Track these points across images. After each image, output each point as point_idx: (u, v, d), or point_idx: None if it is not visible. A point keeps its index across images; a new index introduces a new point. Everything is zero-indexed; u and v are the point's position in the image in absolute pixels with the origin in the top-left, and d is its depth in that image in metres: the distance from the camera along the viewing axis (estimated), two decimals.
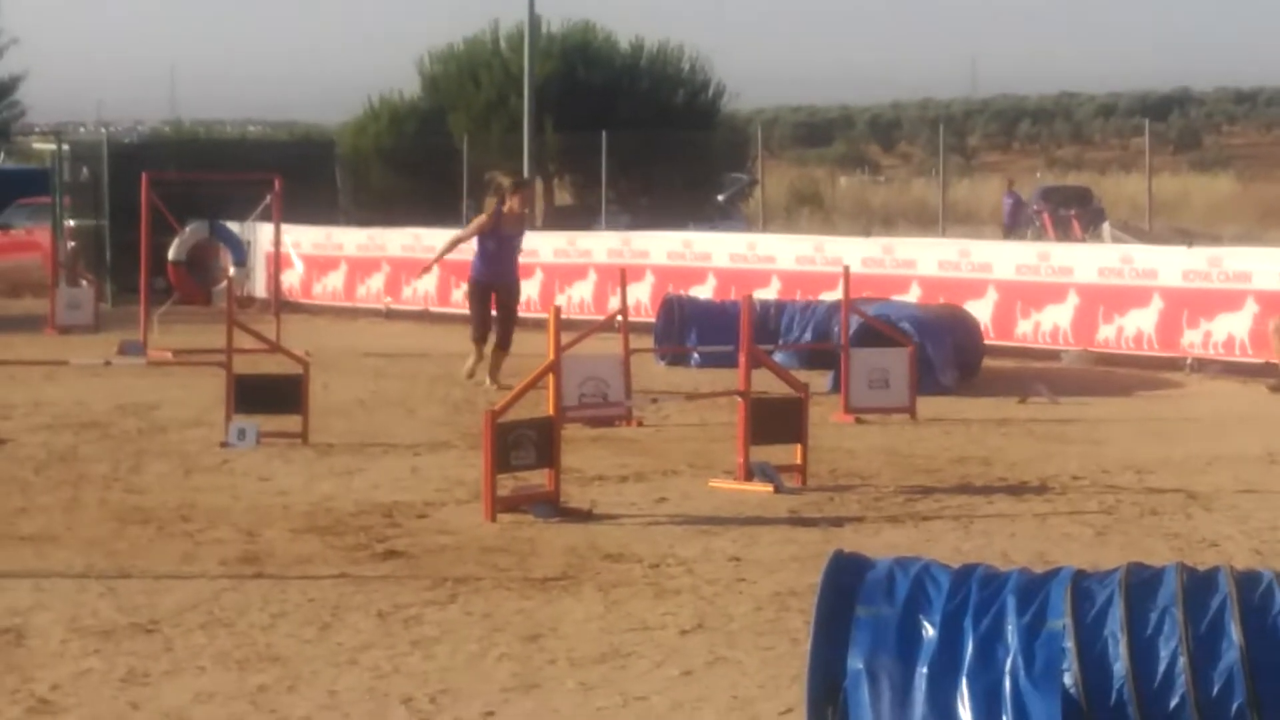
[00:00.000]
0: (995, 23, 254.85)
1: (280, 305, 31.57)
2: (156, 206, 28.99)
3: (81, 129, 55.32)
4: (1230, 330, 25.76)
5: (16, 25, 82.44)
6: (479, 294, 24.36)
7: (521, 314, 33.76)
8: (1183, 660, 7.80)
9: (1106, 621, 7.99)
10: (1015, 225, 54.21)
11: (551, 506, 14.48)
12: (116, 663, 10.06)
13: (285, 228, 33.56)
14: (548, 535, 13.76)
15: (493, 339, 23.78)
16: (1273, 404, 22.75)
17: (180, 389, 22.39)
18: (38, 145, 58.98)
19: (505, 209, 23.97)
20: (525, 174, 54.75)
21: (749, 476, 15.86)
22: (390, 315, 36.70)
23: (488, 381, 22.88)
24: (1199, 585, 8.06)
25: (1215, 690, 7.76)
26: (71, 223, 42.57)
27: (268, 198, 30.99)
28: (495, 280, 24.21)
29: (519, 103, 49.80)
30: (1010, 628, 8.09)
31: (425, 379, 24.83)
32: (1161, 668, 7.84)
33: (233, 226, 35.25)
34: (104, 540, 13.56)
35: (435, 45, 62.79)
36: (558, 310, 16.19)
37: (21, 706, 9.25)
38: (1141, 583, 8.14)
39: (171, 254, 33.31)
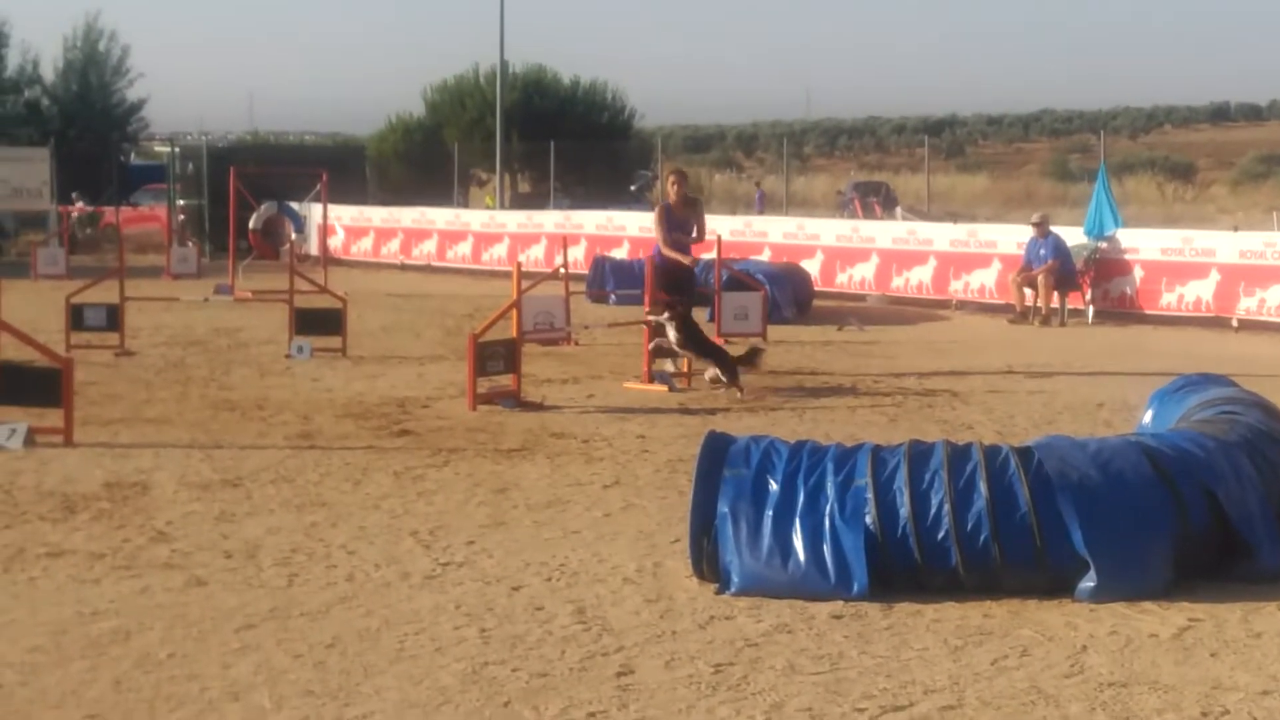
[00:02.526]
0: (823, 65, 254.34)
1: (327, 261, 31.44)
2: (240, 191, 28.82)
3: (188, 136, 54.85)
4: (983, 281, 25.91)
5: (142, 63, 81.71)
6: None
7: (494, 267, 33.93)
8: (947, 506, 7.85)
9: (895, 480, 8.05)
10: (763, 210, 53.61)
11: (515, 400, 14.47)
12: (212, 506, 10.03)
13: (330, 206, 33.40)
14: (512, 420, 13.74)
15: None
16: (1010, 331, 22.84)
17: (257, 318, 22.27)
18: (157, 148, 58.36)
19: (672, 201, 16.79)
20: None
21: (651, 380, 15.87)
22: (404, 268, 36.57)
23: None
24: (959, 455, 8.12)
25: (969, 527, 7.84)
26: (181, 202, 42.34)
27: (318, 186, 30.85)
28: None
29: (493, 121, 49.68)
30: (829, 484, 8.14)
31: (428, 312, 24.74)
32: (932, 511, 7.91)
33: (294, 205, 35.10)
34: (203, 422, 13.49)
35: (434, 80, 62.84)
36: (519, 265, 16.18)
37: (146, 536, 9.22)
38: (919, 453, 8.19)
39: (251, 224, 33.23)
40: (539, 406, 14.48)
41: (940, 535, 7.86)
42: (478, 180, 59.82)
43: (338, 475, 11.11)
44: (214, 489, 10.58)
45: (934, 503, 7.92)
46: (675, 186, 16.86)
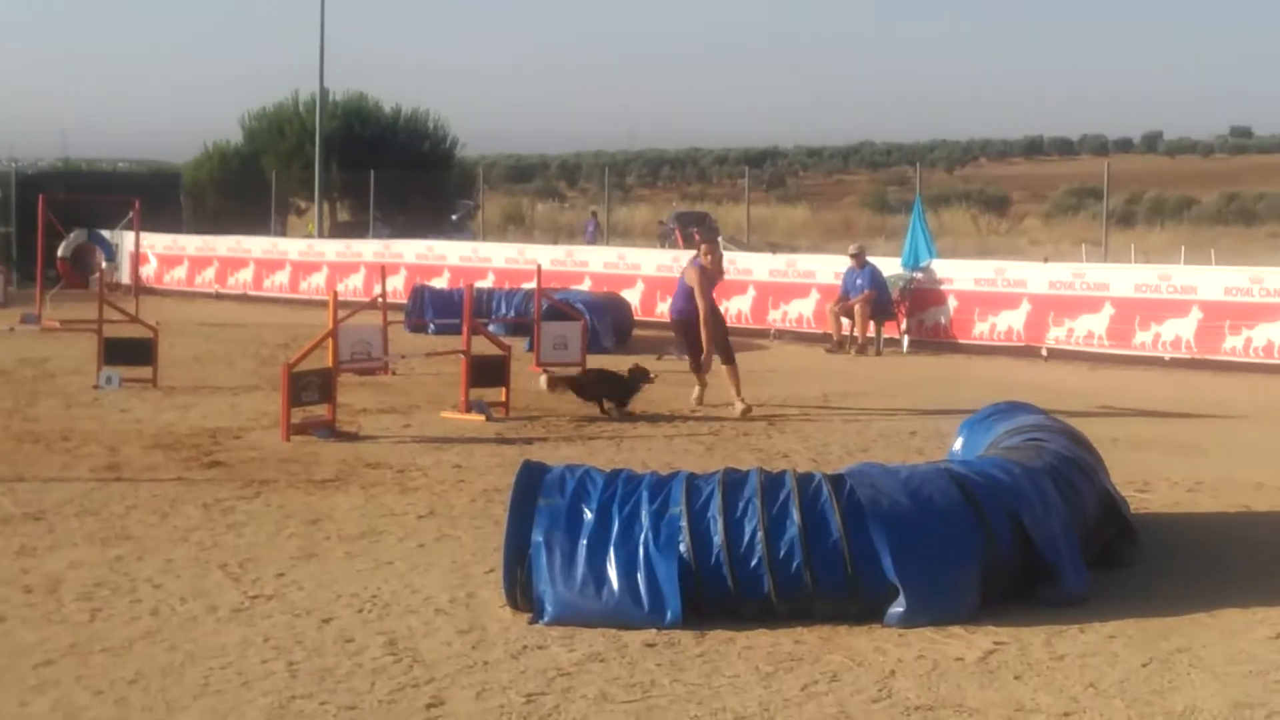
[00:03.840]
0: (645, 96, 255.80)
1: (139, 289, 31.00)
2: (49, 218, 28.30)
3: None
4: (801, 310, 26.16)
5: None
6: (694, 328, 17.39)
7: (311, 296, 33.61)
8: (760, 534, 7.91)
9: (709, 508, 8.08)
10: (594, 242, 54.04)
11: (329, 430, 14.34)
12: (13, 541, 9.81)
13: (143, 235, 32.96)
14: (326, 450, 13.61)
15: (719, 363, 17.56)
16: (827, 360, 23.07)
17: (65, 348, 21.83)
18: None
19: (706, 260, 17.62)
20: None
21: (469, 410, 15.81)
22: (220, 297, 36.08)
23: (738, 403, 16.59)
24: (772, 482, 8.19)
25: (782, 554, 7.89)
26: None
27: (131, 213, 30.43)
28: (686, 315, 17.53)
29: (312, 149, 49.24)
30: (644, 512, 8.16)
31: (242, 342, 24.43)
32: (746, 539, 7.96)
33: (105, 233, 34.52)
34: (6, 454, 13.19)
35: (253, 107, 62.11)
36: (336, 294, 16.05)
37: None
38: (733, 481, 8.25)
39: (60, 252, 32.60)
40: (354, 436, 14.36)
41: (753, 563, 7.91)
42: (297, 209, 59.26)
43: (145, 508, 10.92)
44: (14, 523, 10.33)
45: (747, 531, 7.98)
46: (709, 255, 17.66)
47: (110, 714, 6.48)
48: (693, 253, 17.47)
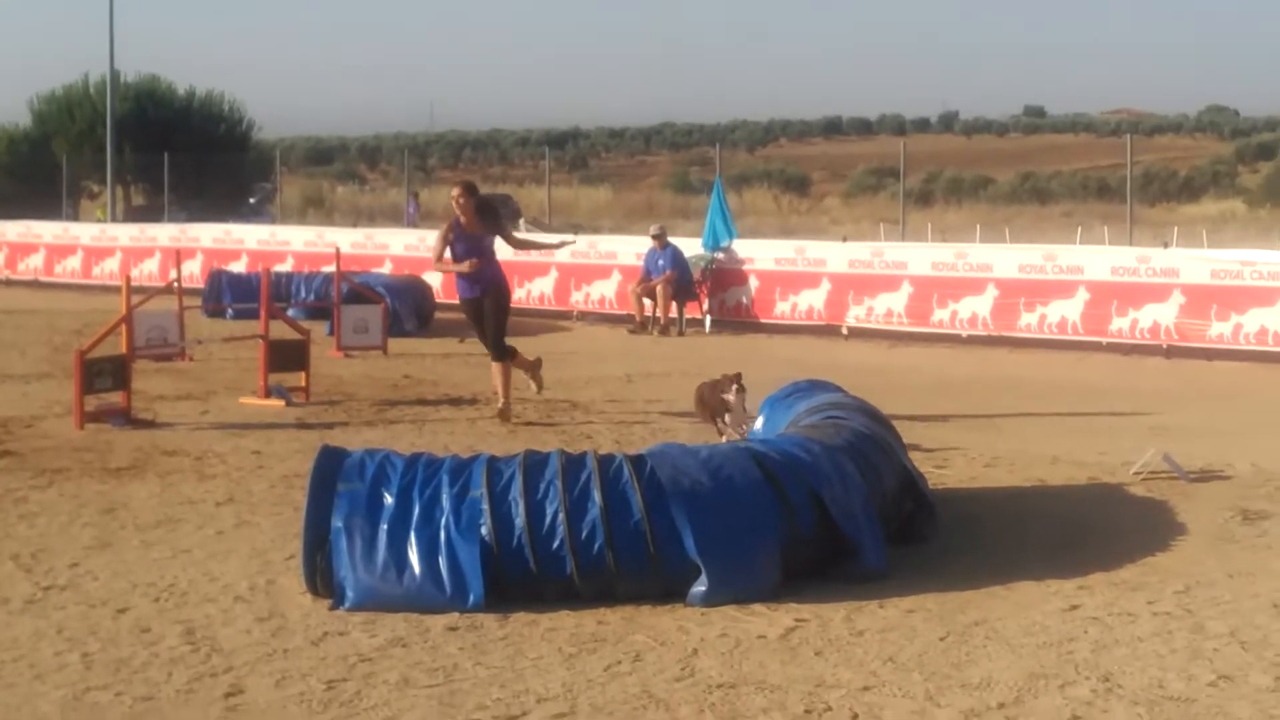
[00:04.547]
0: (446, 77, 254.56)
1: None
2: None
3: None
4: (603, 292, 26.26)
5: None
6: (465, 310, 15.42)
7: (105, 281, 32.98)
8: (561, 515, 7.93)
9: (510, 490, 8.08)
10: (414, 222, 53.80)
11: (125, 417, 14.11)
12: None
13: None
14: (122, 438, 13.39)
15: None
16: (630, 341, 23.20)
17: None
18: None
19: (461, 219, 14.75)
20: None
21: (268, 395, 15.64)
22: (9, 284, 35.29)
23: (533, 388, 15.46)
24: (574, 464, 8.20)
25: (584, 535, 7.92)
26: None
27: None
28: (472, 292, 14.98)
29: (104, 132, 48.44)
30: (445, 496, 8.14)
31: (34, 329, 23.93)
32: (548, 520, 7.97)
33: None
34: None
35: (41, 89, 61.02)
36: (129, 279, 15.80)
37: None
38: (535, 463, 8.25)
39: None
40: (150, 424, 14.14)
41: (555, 544, 7.92)
42: (89, 193, 58.17)
43: None
44: None
45: (549, 512, 7.99)
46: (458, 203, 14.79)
47: None
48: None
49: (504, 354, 14.94)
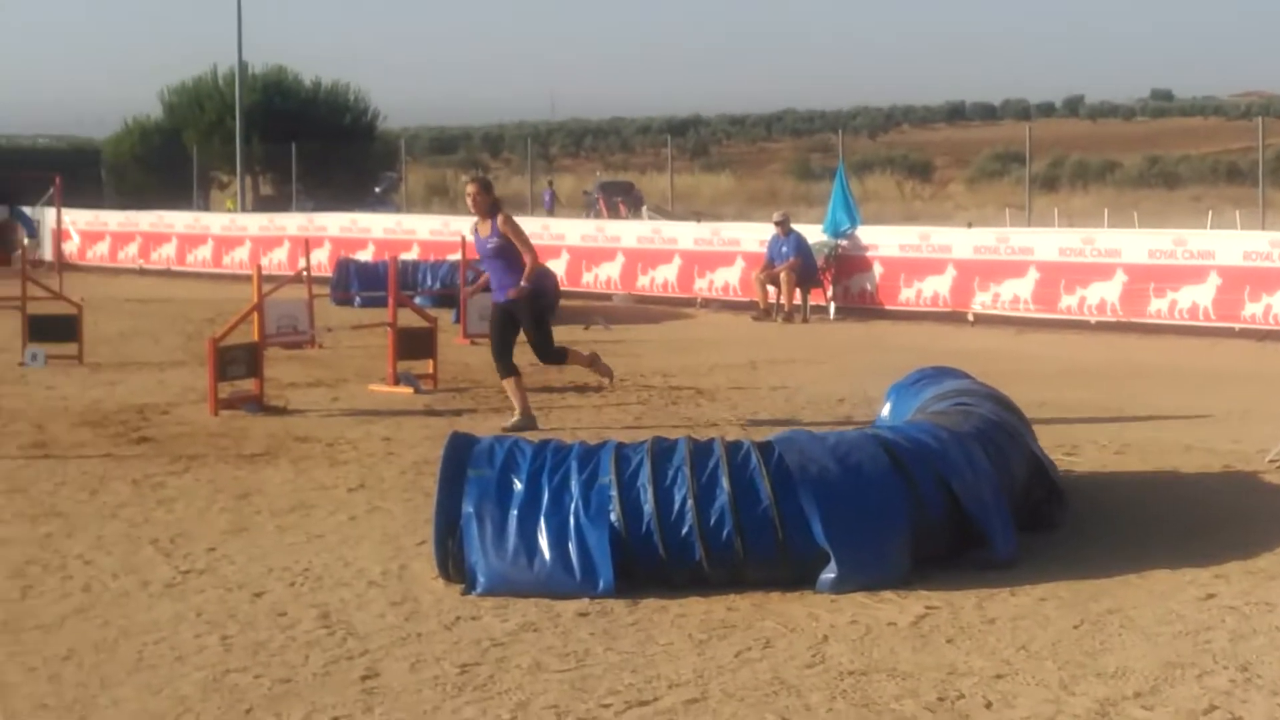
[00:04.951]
0: (568, 68, 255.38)
1: (62, 266, 30.77)
2: None
3: None
4: (727, 279, 26.23)
5: None
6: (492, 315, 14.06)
7: (235, 271, 33.38)
8: (690, 502, 7.94)
9: (639, 476, 8.10)
10: (552, 211, 54.23)
11: (257, 404, 14.29)
12: None
13: (65, 211, 32.69)
14: (255, 424, 13.57)
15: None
16: (754, 328, 23.18)
17: None
18: None
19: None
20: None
21: (396, 382, 15.79)
22: (143, 273, 35.83)
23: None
24: (701, 451, 8.21)
25: (712, 521, 7.92)
26: None
27: (51, 190, 30.22)
28: (497, 298, 13.79)
29: (233, 123, 48.97)
30: (574, 482, 8.18)
31: (168, 317, 24.30)
32: (676, 507, 7.98)
33: (26, 209, 34.22)
34: None
35: (172, 81, 61.77)
36: (260, 268, 15.98)
37: None
38: (662, 450, 8.27)
39: None
40: (282, 411, 14.32)
41: (684, 531, 7.93)
42: (219, 183, 58.89)
43: (74, 484, 10.86)
44: None
45: (677, 499, 8.00)
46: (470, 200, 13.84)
47: (44, 690, 6.46)
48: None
49: (556, 358, 13.98)
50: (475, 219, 13.91)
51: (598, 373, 14.54)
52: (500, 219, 13.57)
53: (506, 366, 13.62)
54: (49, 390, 15.78)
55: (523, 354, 13.86)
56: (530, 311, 13.74)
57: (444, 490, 8.23)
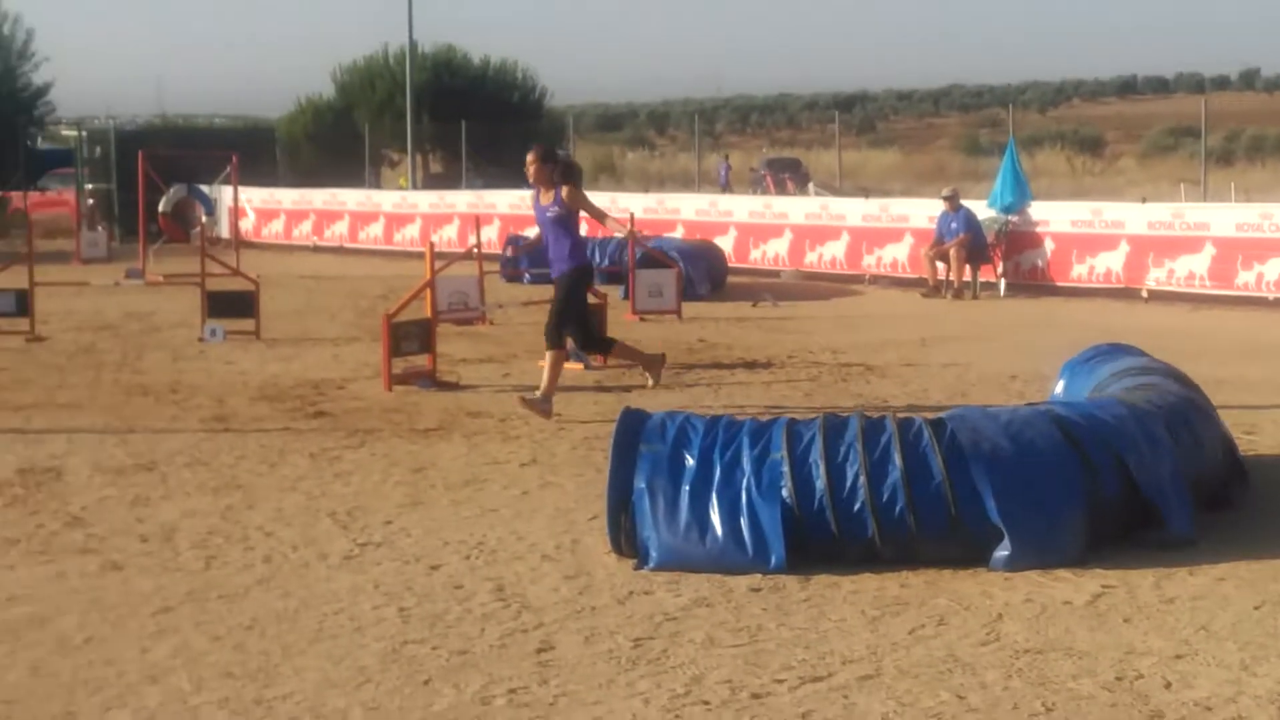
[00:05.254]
0: (732, 42, 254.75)
1: (239, 243, 31.29)
2: (150, 174, 28.56)
3: (95, 120, 53.88)
4: (895, 255, 26.03)
5: (47, 46, 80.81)
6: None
7: (406, 248, 33.74)
8: (862, 478, 7.91)
9: (810, 452, 8.08)
10: (728, 185, 54.29)
11: (430, 380, 14.45)
12: (127, 491, 9.97)
13: (241, 189, 33.21)
14: (428, 400, 13.72)
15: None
16: (924, 305, 23.00)
17: (169, 301, 22.12)
18: (65, 132, 57.49)
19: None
20: (408, 152, 53.80)
21: (567, 358, 15.85)
22: (317, 250, 36.33)
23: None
24: (873, 427, 8.18)
25: (885, 498, 7.88)
26: (90, 186, 41.92)
27: (228, 168, 30.73)
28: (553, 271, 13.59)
29: (403, 101, 49.40)
30: (745, 458, 8.17)
31: (342, 294, 24.63)
32: (848, 484, 7.95)
33: (204, 188, 34.82)
34: (116, 406, 13.41)
35: (344, 60, 62.47)
36: (432, 245, 16.13)
37: (61, 521, 9.17)
38: (834, 426, 8.24)
39: (161, 207, 32.95)
40: (455, 386, 14.46)
41: (856, 507, 7.91)
42: (389, 161, 59.49)
43: (254, 457, 11.06)
44: (128, 473, 10.51)
45: (849, 475, 7.97)
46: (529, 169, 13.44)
47: (229, 659, 6.59)
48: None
49: (553, 342, 13.22)
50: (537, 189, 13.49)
51: (651, 373, 14.23)
52: (566, 190, 13.16)
53: (598, 343, 14.05)
54: (228, 365, 16.09)
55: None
56: (564, 289, 13.28)
57: (616, 465, 8.27)
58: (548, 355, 13.12)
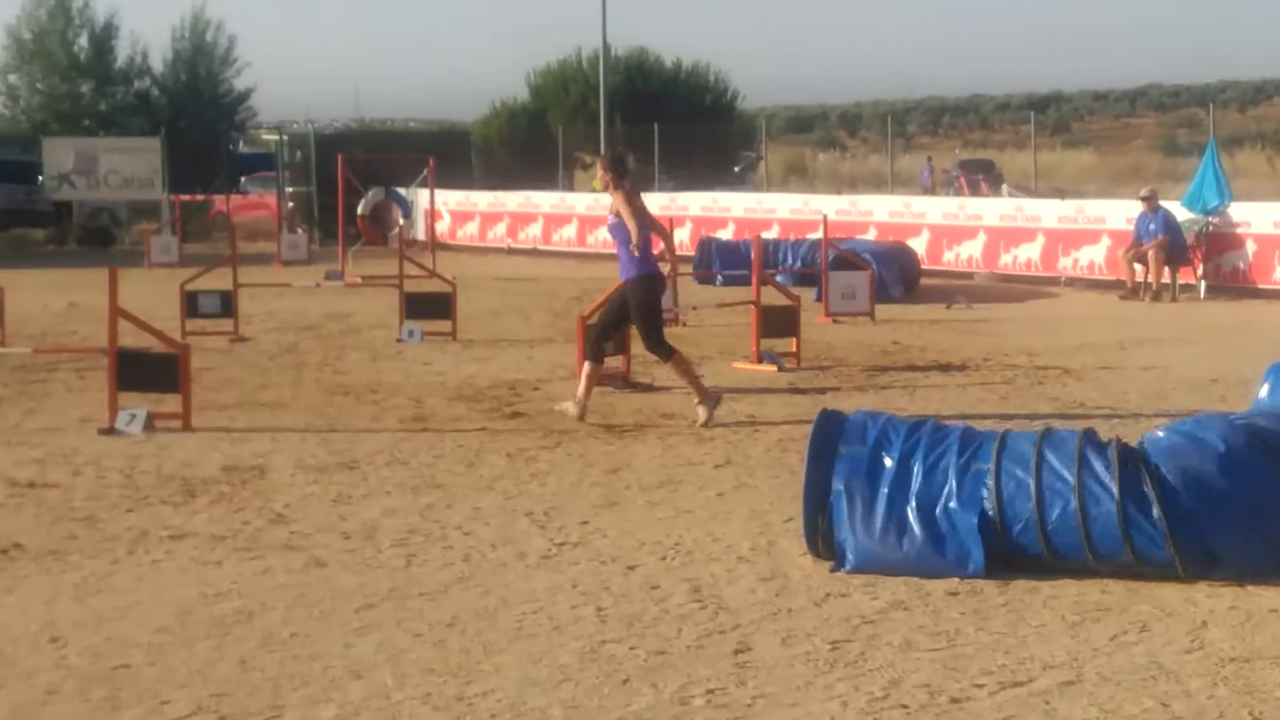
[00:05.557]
0: (925, 46, 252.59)
1: (435, 245, 31.69)
2: (348, 178, 29.04)
3: (295, 125, 54.93)
4: (1092, 257, 25.67)
5: (248, 53, 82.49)
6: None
7: (599, 250, 33.86)
8: (1075, 503, 7.72)
9: (1019, 469, 7.90)
10: (930, 187, 53.93)
11: (624, 381, 14.51)
12: (329, 489, 10.15)
13: (436, 192, 33.63)
14: (622, 400, 13.79)
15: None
16: (1121, 308, 22.63)
17: (367, 303, 22.46)
18: (265, 136, 58.62)
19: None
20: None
21: (760, 360, 15.86)
22: (511, 252, 36.66)
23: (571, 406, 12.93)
24: (1094, 446, 7.93)
25: (1096, 528, 7.69)
26: (290, 189, 42.69)
27: (424, 171, 31.15)
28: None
29: (596, 104, 49.77)
30: (949, 465, 8.07)
31: (536, 295, 24.83)
32: (1058, 509, 7.75)
33: (401, 191, 35.34)
34: (318, 406, 13.64)
35: (537, 64, 62.93)
36: None
37: (265, 518, 9.35)
38: (1055, 442, 8.03)
39: (359, 210, 33.57)
40: (648, 388, 14.51)
41: (1064, 535, 7.71)
42: (582, 163, 59.89)
43: (451, 457, 11.19)
44: (330, 471, 10.69)
45: (1058, 505, 7.73)
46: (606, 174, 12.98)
47: (430, 656, 6.67)
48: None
49: (661, 353, 12.96)
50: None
51: (703, 404, 12.60)
52: (616, 198, 12.66)
53: (594, 350, 13.07)
54: (425, 366, 16.30)
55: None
56: (635, 297, 12.78)
57: (813, 466, 8.23)
58: (626, 363, 13.28)
